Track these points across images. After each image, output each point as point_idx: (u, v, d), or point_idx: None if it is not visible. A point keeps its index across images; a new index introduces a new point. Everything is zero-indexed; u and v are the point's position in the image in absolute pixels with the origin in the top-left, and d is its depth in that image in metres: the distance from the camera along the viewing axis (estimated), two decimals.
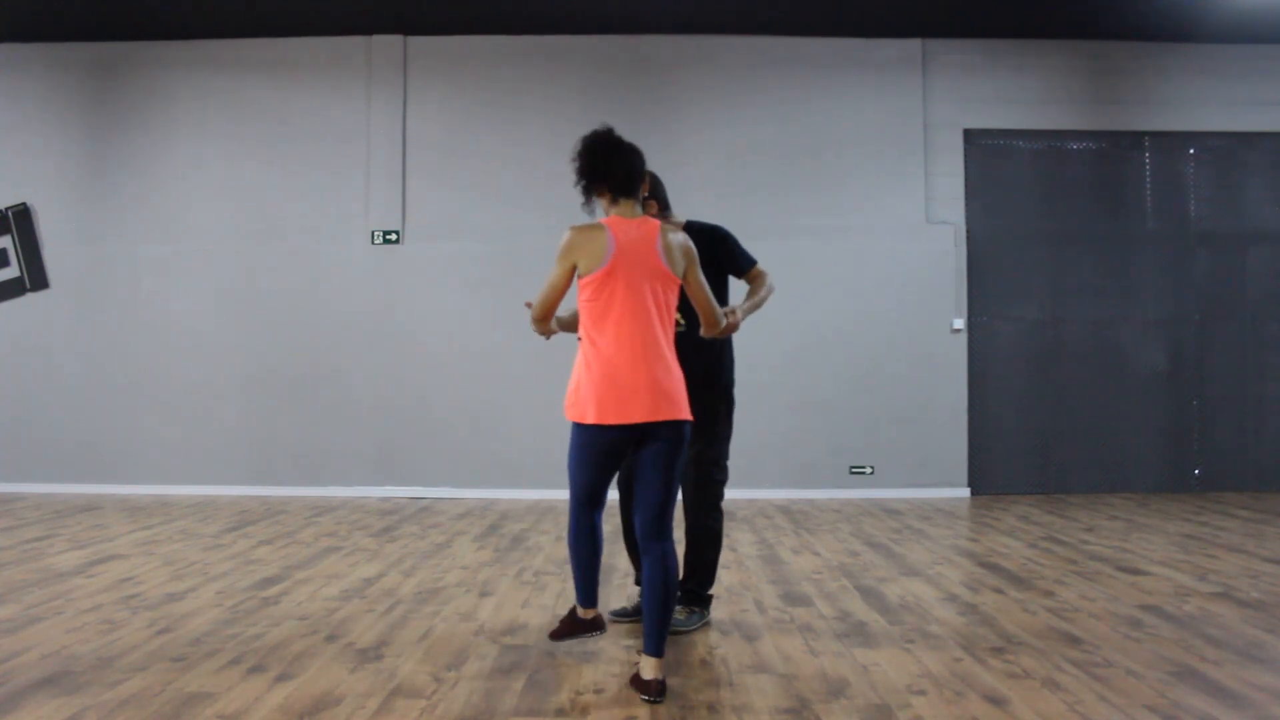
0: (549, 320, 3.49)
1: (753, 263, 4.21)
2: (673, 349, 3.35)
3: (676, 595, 3.34)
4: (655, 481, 3.25)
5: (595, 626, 3.69)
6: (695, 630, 4.06)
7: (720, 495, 4.19)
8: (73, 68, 8.66)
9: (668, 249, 3.31)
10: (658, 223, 3.37)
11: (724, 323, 3.52)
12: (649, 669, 3.20)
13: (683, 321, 3.91)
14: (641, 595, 3.30)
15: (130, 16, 8.25)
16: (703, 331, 3.51)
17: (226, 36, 8.57)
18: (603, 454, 3.30)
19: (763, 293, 4.11)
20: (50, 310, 8.58)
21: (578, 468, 3.38)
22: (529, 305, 3.48)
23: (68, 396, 8.51)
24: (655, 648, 3.21)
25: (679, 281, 3.36)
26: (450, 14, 8.26)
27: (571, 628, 3.70)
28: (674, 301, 3.36)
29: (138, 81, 8.66)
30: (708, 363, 4.09)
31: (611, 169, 3.33)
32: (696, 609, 4.13)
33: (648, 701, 3.15)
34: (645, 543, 3.26)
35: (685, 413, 3.28)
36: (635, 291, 3.25)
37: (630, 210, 3.37)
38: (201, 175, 8.60)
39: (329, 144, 8.56)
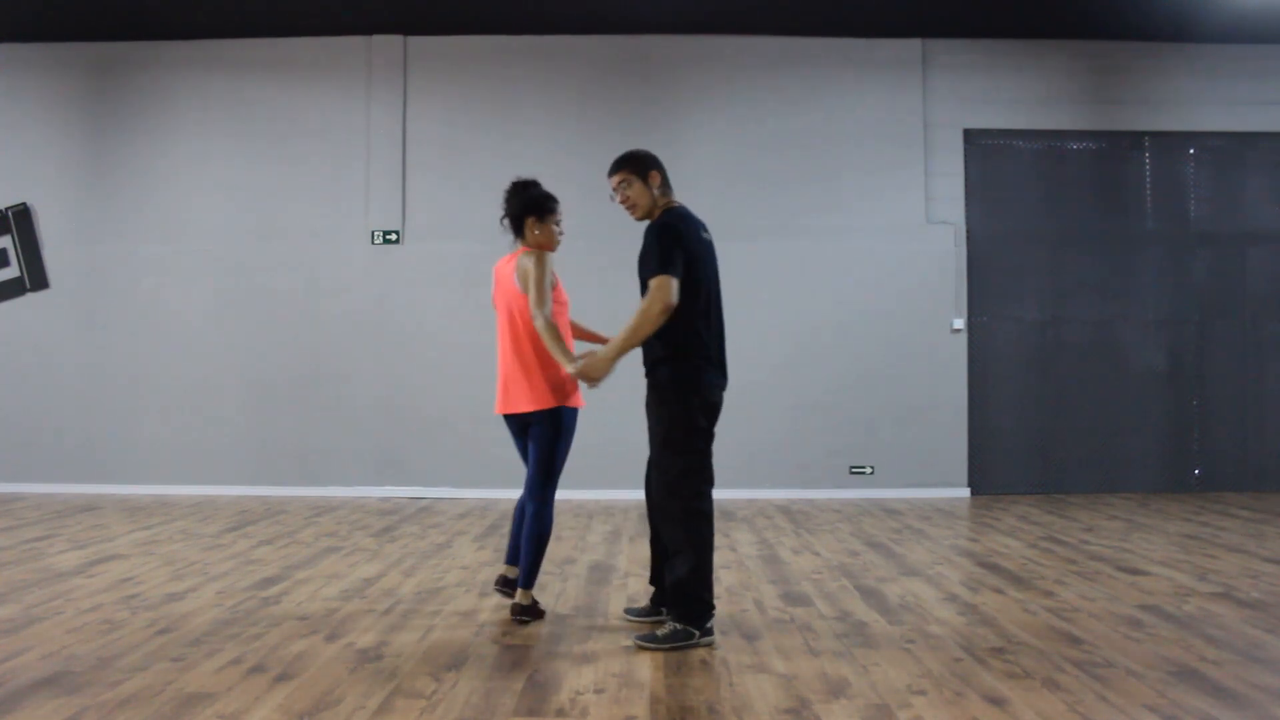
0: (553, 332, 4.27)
1: (656, 273, 3.74)
2: (531, 352, 4.09)
3: (535, 541, 4.12)
4: (531, 460, 4.17)
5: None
6: (667, 648, 3.74)
7: (675, 508, 3.79)
8: (73, 68, 8.66)
9: (519, 272, 4.13)
10: (521, 252, 4.18)
11: (571, 368, 3.94)
12: (519, 595, 4.16)
13: None
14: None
15: (130, 16, 8.24)
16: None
17: (226, 36, 8.57)
18: (512, 436, 4.32)
19: (631, 324, 3.75)
20: (50, 310, 8.58)
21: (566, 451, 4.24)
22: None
23: (68, 396, 8.51)
24: (522, 580, 4.18)
25: (524, 295, 4.10)
26: (450, 14, 8.25)
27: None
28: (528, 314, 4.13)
29: (138, 81, 8.66)
30: (648, 365, 3.92)
31: (509, 210, 4.24)
32: (679, 625, 3.76)
33: (516, 620, 4.11)
34: (524, 504, 4.18)
35: (524, 406, 4.11)
36: (503, 311, 4.22)
37: (516, 244, 4.26)
38: (202, 175, 8.60)
39: (329, 144, 8.56)
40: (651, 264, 3.78)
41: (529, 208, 4.17)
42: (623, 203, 4.05)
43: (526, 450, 4.23)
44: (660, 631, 3.81)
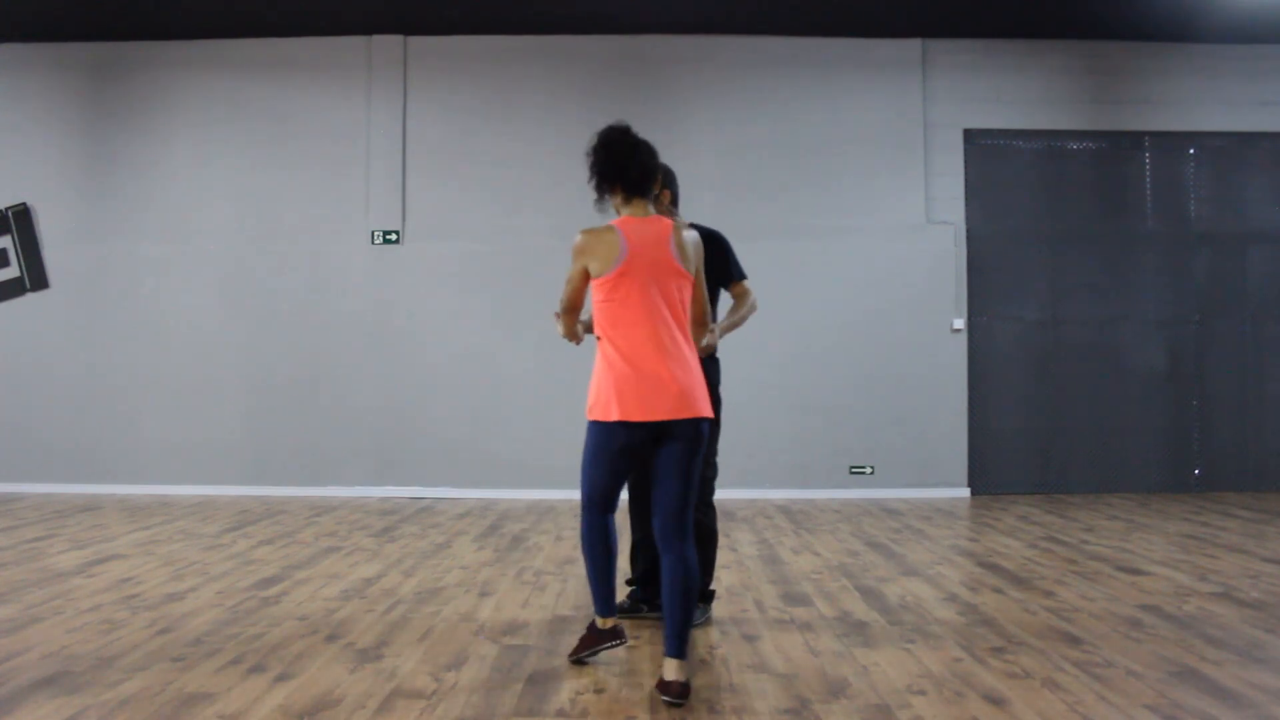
0: (574, 317, 3.54)
1: (743, 276, 4.24)
2: (691, 345, 3.35)
3: (696, 596, 3.27)
4: (674, 481, 3.23)
5: (615, 636, 3.50)
6: (698, 625, 4.08)
7: (710, 490, 4.17)
8: (73, 68, 8.66)
9: (680, 246, 3.32)
10: (670, 221, 3.36)
11: (705, 339, 3.63)
12: (670, 670, 3.15)
13: None
14: (663, 597, 3.24)
15: (130, 16, 8.24)
16: (692, 331, 3.46)
17: (226, 36, 8.56)
18: (620, 453, 3.28)
19: (743, 311, 4.16)
20: (50, 310, 8.57)
21: (593, 467, 3.36)
22: (558, 317, 3.56)
23: (68, 396, 8.50)
24: (676, 649, 3.16)
25: (692, 278, 3.38)
26: (450, 14, 8.25)
27: (593, 641, 3.53)
28: (688, 298, 3.37)
29: (138, 81, 8.66)
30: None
31: (627, 169, 3.32)
32: (700, 604, 4.14)
33: (669, 704, 3.09)
34: (665, 543, 3.24)
35: (704, 410, 3.26)
36: (649, 291, 3.25)
37: (643, 209, 3.36)
38: (202, 175, 8.60)
39: (329, 144, 8.56)
40: (734, 269, 4.21)
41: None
42: None
43: (624, 471, 3.36)
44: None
